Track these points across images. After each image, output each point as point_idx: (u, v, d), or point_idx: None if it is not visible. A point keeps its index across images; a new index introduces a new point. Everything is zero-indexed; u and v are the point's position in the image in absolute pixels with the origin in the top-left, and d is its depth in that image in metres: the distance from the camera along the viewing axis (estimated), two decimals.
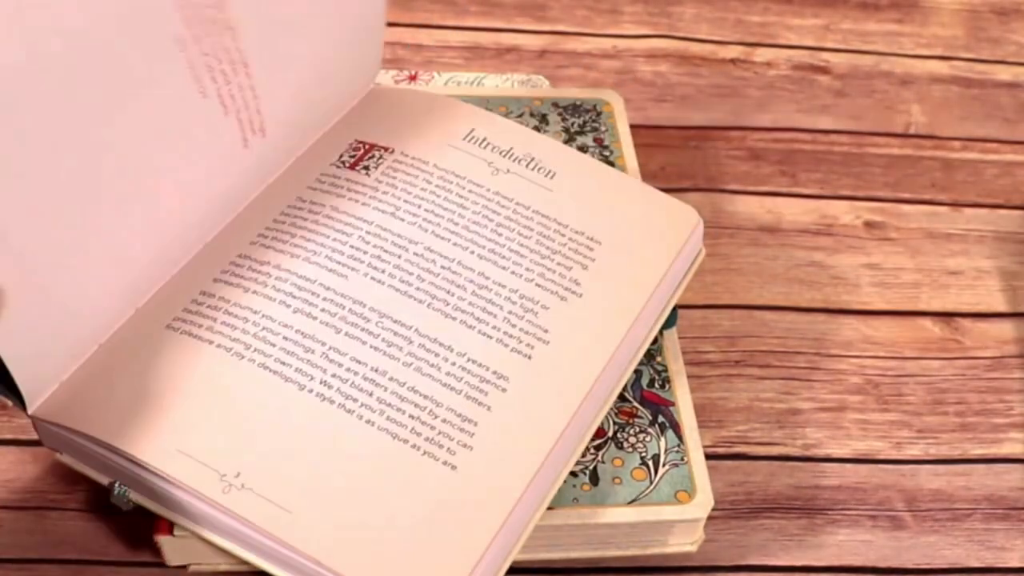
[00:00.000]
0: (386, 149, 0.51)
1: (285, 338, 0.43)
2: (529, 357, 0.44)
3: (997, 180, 0.68)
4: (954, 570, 0.51)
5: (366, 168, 0.50)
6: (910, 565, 0.51)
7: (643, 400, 0.49)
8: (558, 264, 0.48)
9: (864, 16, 0.77)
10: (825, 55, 0.74)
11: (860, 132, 0.70)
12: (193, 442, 0.41)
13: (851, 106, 0.71)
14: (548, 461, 0.42)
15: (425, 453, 0.41)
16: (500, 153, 0.51)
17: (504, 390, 0.43)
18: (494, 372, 0.44)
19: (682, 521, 0.46)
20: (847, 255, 0.63)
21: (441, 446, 0.41)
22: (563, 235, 0.49)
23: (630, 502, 0.45)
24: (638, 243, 0.49)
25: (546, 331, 0.45)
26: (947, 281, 0.62)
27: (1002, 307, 0.61)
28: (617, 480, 0.46)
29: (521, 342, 0.45)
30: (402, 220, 0.48)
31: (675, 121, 0.69)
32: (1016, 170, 0.68)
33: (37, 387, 0.42)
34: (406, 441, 0.41)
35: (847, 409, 0.56)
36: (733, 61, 0.73)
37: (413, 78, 0.61)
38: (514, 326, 0.45)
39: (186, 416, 0.41)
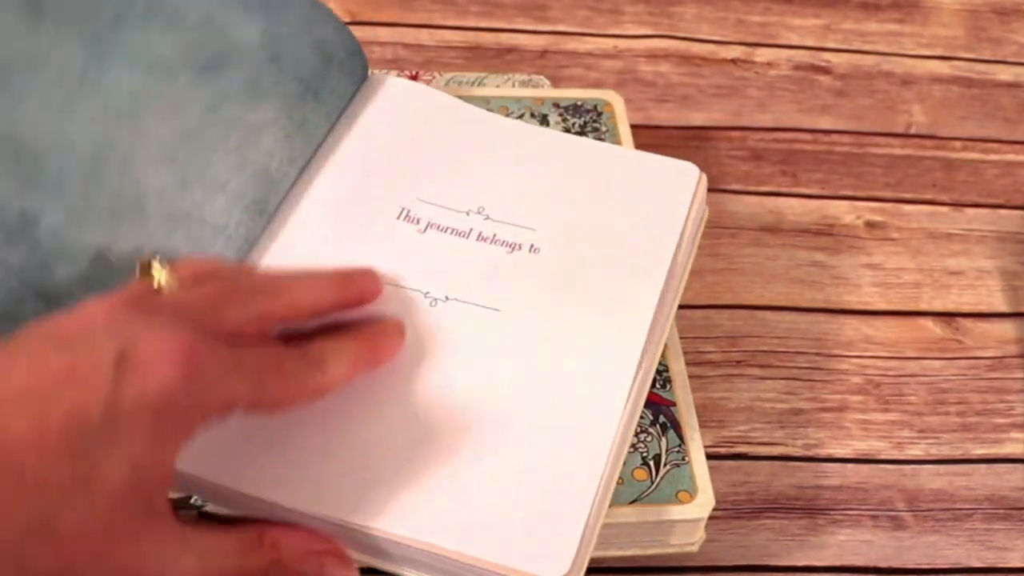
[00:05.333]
0: None
1: None
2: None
3: (998, 180, 0.68)
4: (955, 570, 0.51)
5: None
6: (911, 565, 0.51)
7: (645, 400, 0.48)
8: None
9: (865, 16, 0.77)
10: (826, 55, 0.74)
11: (861, 132, 0.70)
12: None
13: (852, 106, 0.71)
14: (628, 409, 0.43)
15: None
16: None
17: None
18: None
19: (683, 521, 0.46)
20: (848, 255, 0.63)
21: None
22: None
23: (631, 502, 0.45)
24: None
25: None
26: (948, 281, 0.62)
27: (1003, 307, 0.61)
28: (618, 480, 0.46)
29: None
30: None
31: (676, 121, 0.69)
32: (1017, 170, 0.68)
33: None
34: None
35: (848, 409, 0.56)
36: (734, 61, 0.73)
37: (414, 78, 0.61)
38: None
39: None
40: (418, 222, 0.49)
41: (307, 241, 0.48)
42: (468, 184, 0.50)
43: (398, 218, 0.49)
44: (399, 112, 0.53)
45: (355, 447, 0.41)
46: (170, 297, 0.38)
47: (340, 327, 0.42)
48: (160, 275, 0.39)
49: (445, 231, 0.48)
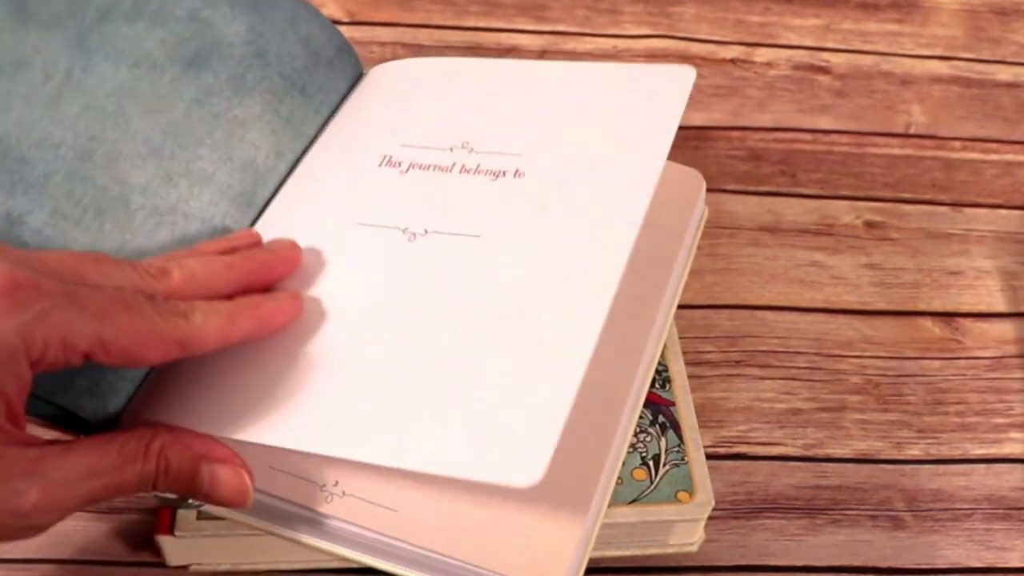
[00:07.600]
0: None
1: None
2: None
3: (997, 180, 0.68)
4: (954, 570, 0.51)
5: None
6: (910, 565, 0.51)
7: (644, 400, 0.49)
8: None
9: (864, 16, 0.77)
10: (825, 55, 0.74)
11: (860, 132, 0.70)
12: (286, 458, 0.41)
13: (851, 106, 0.71)
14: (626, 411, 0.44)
15: None
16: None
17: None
18: None
19: (683, 521, 0.46)
20: (847, 255, 0.63)
21: None
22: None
23: (631, 502, 0.45)
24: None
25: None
26: (947, 281, 0.62)
27: (1002, 307, 0.61)
28: (618, 480, 0.46)
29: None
30: None
31: None
32: (1016, 170, 0.68)
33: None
34: None
35: (847, 409, 0.56)
36: (733, 61, 0.73)
37: None
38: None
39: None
40: (400, 165, 0.48)
41: (287, 209, 0.47)
42: (452, 122, 0.49)
43: (380, 165, 0.48)
44: (389, 83, 0.53)
45: (327, 378, 0.41)
46: (30, 251, 0.37)
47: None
48: None
49: (427, 169, 0.47)
